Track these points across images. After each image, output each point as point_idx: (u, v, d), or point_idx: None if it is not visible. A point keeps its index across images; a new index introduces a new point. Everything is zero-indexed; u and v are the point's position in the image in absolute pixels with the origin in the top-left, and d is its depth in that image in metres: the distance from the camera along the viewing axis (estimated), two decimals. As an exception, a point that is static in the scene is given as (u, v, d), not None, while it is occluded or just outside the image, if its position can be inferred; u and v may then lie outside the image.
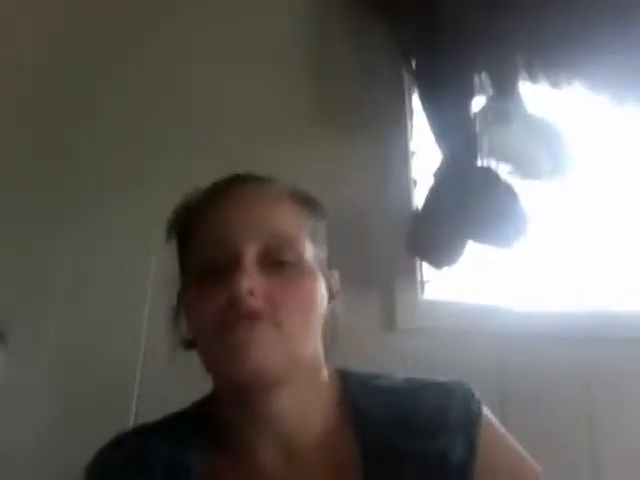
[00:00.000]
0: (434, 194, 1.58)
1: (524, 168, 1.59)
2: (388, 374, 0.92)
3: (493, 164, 1.58)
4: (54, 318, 1.37)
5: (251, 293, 0.76)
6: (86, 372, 1.33)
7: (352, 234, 1.50)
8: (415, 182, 1.71)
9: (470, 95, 1.63)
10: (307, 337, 0.81)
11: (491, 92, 1.66)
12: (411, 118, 1.78)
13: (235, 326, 0.75)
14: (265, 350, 0.75)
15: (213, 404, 0.89)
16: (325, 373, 0.88)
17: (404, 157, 1.71)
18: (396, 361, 1.37)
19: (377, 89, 1.75)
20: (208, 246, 0.82)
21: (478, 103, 1.66)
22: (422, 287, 1.62)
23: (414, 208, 1.66)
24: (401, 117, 1.76)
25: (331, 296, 0.89)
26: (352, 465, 0.79)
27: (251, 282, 0.76)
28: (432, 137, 1.62)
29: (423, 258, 1.59)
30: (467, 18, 1.57)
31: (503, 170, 1.57)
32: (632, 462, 1.44)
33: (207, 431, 0.87)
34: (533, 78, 1.68)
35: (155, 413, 0.95)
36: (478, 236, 1.53)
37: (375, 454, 0.79)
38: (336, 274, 0.93)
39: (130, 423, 1.27)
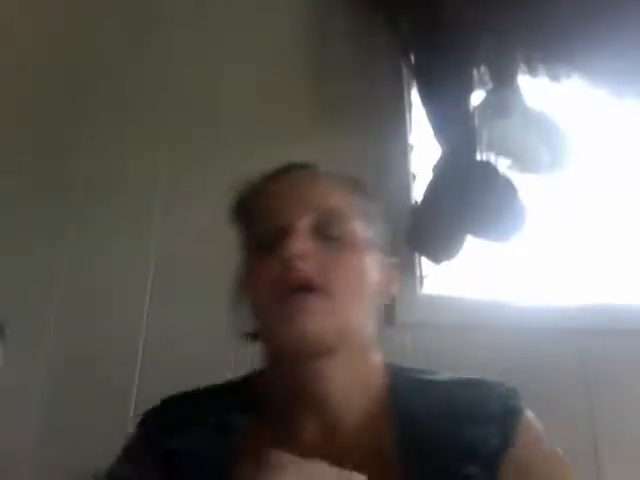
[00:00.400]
0: (433, 188, 1.58)
1: (523, 162, 1.59)
2: (433, 370, 0.93)
3: (492, 158, 1.57)
4: (54, 318, 1.38)
5: (302, 257, 0.79)
6: (86, 372, 1.34)
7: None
8: (414, 176, 1.71)
9: (469, 89, 1.63)
10: (354, 310, 0.82)
11: (490, 86, 1.66)
12: (410, 112, 1.78)
13: (288, 297, 0.78)
14: (318, 320, 0.77)
15: (260, 378, 0.91)
16: (377, 361, 0.89)
17: (403, 151, 1.72)
18: (395, 355, 1.38)
19: (376, 84, 1.74)
20: (262, 224, 0.86)
21: (477, 97, 1.65)
22: (421, 282, 1.62)
23: (413, 202, 1.66)
24: (400, 111, 1.76)
25: (387, 282, 0.90)
26: (388, 453, 0.80)
27: (302, 245, 0.80)
28: (431, 131, 1.61)
29: (422, 252, 1.59)
30: (466, 11, 1.56)
31: (502, 164, 1.57)
32: (633, 454, 1.44)
33: (250, 403, 0.89)
34: (532, 71, 1.67)
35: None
36: (477, 230, 1.53)
37: (412, 449, 0.80)
38: (394, 261, 0.95)
39: (130, 423, 1.26)
